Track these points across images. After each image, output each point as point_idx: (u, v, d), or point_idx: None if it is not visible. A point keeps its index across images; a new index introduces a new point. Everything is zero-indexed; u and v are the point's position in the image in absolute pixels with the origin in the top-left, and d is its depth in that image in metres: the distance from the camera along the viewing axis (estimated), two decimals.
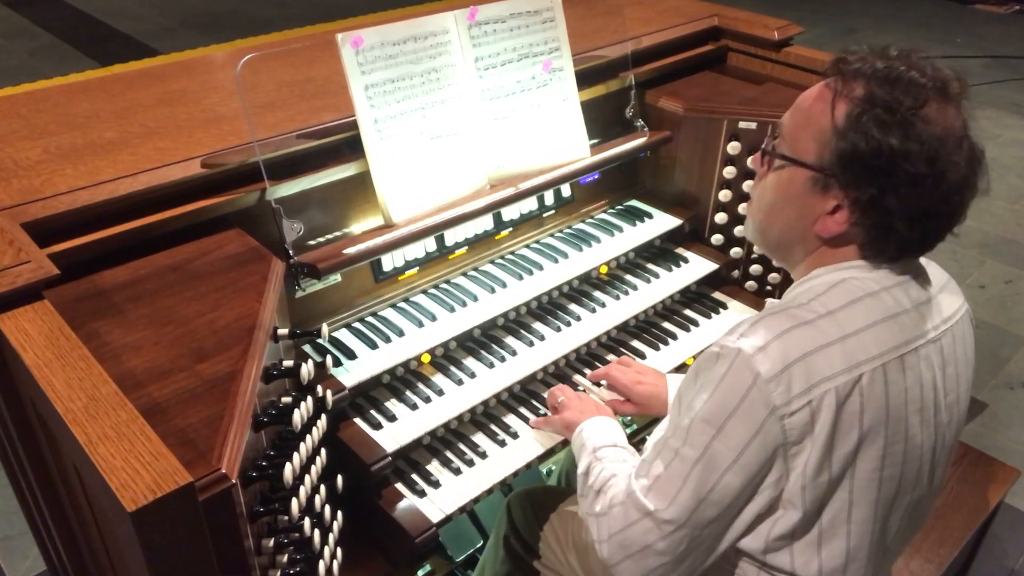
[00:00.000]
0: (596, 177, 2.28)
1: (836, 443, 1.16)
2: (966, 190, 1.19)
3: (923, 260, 1.34)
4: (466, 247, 2.04)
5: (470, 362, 1.88)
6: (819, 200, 1.23)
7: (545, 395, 1.88)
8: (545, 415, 1.81)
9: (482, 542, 2.05)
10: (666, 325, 2.14)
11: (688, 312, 2.19)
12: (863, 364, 1.16)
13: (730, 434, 1.15)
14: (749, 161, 1.40)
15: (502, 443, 1.78)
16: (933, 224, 1.20)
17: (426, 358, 1.85)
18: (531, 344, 1.93)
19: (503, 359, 1.88)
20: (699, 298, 2.24)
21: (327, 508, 1.45)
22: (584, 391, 1.87)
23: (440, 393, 1.79)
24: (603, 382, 1.87)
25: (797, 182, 1.25)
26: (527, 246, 2.15)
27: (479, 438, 1.79)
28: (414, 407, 1.75)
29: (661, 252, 2.29)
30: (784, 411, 1.13)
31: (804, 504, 1.19)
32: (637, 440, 2.19)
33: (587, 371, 1.96)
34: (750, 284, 2.27)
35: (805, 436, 1.15)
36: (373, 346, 1.79)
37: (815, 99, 1.24)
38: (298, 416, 1.35)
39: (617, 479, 1.34)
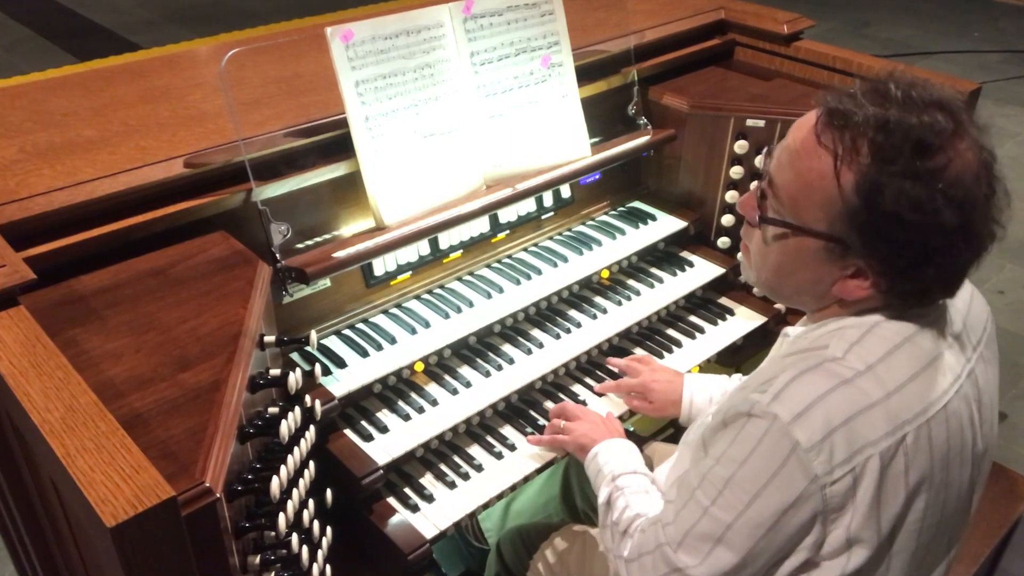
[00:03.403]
0: (597, 177, 2.29)
1: (882, 505, 1.15)
2: (991, 226, 1.15)
3: None
4: (461, 250, 2.05)
5: (465, 371, 1.88)
6: (836, 267, 1.20)
7: (545, 405, 1.89)
8: (545, 425, 1.82)
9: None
10: (670, 332, 2.15)
11: (693, 318, 2.20)
12: (907, 424, 1.14)
13: (767, 502, 1.14)
14: (738, 206, 1.36)
15: (499, 455, 1.78)
16: (964, 273, 1.18)
17: (419, 367, 1.86)
18: (529, 352, 1.93)
19: (500, 368, 1.89)
20: (705, 304, 2.25)
21: (316, 523, 1.46)
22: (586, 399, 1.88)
23: (434, 403, 1.79)
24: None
25: (808, 249, 1.21)
26: (525, 249, 2.16)
27: (475, 450, 1.79)
28: (407, 418, 1.76)
29: (665, 256, 2.29)
30: (825, 480, 1.12)
31: (844, 566, 1.18)
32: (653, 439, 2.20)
33: (588, 380, 1.97)
34: (758, 289, 2.28)
35: (847, 502, 1.14)
36: (364, 354, 1.80)
37: (812, 158, 1.17)
38: (285, 427, 1.35)
39: (642, 521, 1.36)
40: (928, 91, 1.14)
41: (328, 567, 1.49)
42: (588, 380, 1.97)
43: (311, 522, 1.44)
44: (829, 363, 1.16)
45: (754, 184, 1.30)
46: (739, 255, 2.12)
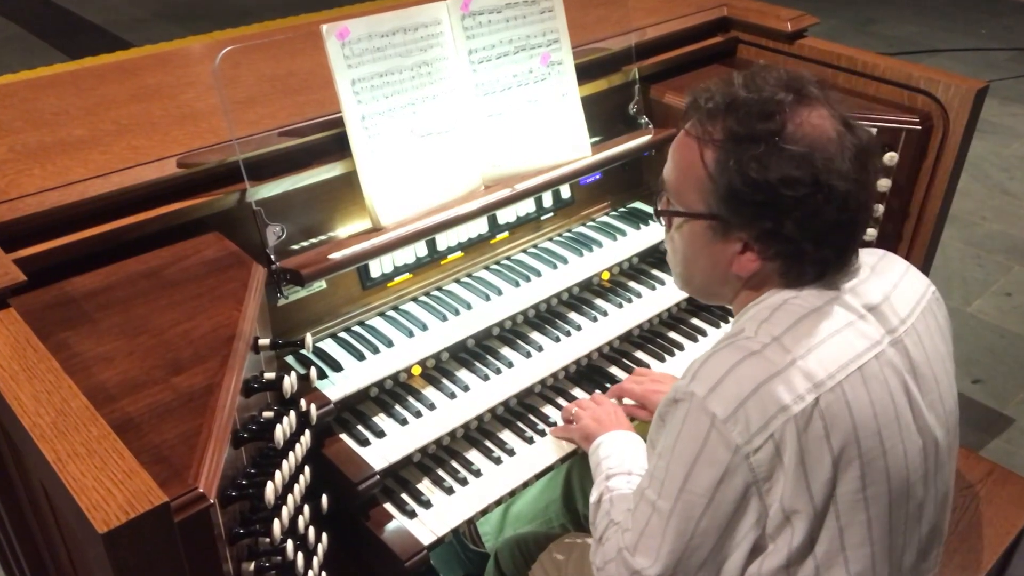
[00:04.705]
0: (597, 177, 2.29)
1: (810, 472, 1.19)
2: (862, 189, 1.23)
3: (878, 254, 1.39)
4: (459, 252, 2.05)
5: (463, 374, 1.88)
6: (725, 245, 1.30)
7: (544, 409, 1.89)
8: (546, 429, 1.82)
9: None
10: (672, 335, 2.15)
11: (695, 321, 2.20)
12: (819, 387, 1.19)
13: (698, 480, 1.20)
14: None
15: (497, 460, 1.78)
16: (841, 234, 1.25)
17: (417, 370, 1.86)
18: (528, 355, 1.94)
19: (499, 371, 1.89)
20: (707, 306, 2.25)
21: (311, 530, 1.46)
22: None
23: (431, 407, 1.80)
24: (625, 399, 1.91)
25: (698, 233, 1.32)
26: (524, 251, 2.16)
27: (473, 455, 1.80)
28: (404, 422, 1.76)
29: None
30: (747, 450, 1.17)
31: (790, 541, 1.21)
32: None
33: (587, 384, 1.97)
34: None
35: (775, 470, 1.18)
36: (360, 357, 1.80)
37: (683, 149, 1.31)
38: (280, 432, 1.36)
39: (613, 530, 1.38)
40: (770, 74, 1.28)
41: (323, 574, 1.49)
42: (587, 384, 1.97)
43: (306, 528, 1.44)
44: (741, 341, 1.24)
45: None
46: None
